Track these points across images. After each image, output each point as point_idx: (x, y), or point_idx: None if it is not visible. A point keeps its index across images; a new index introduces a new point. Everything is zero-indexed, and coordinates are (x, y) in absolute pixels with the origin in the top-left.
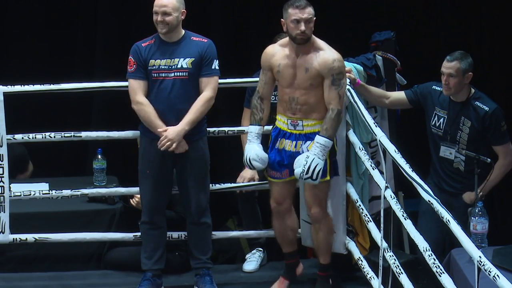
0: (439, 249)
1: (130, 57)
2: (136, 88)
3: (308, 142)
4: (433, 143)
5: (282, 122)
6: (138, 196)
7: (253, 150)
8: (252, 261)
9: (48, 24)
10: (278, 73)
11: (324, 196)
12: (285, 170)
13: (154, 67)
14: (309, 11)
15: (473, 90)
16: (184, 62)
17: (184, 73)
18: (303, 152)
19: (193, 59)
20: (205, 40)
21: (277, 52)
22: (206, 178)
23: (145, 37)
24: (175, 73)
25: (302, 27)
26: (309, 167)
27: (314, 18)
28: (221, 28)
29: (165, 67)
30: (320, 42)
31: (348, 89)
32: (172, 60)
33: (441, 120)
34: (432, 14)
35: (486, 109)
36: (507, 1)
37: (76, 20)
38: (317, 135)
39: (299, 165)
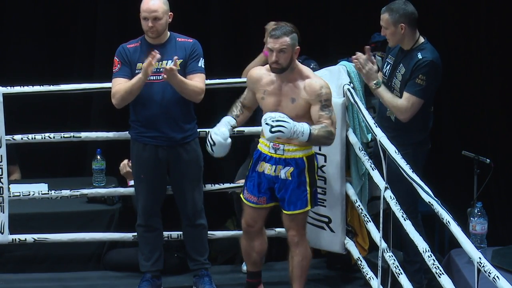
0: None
1: (115, 58)
2: (116, 84)
3: (288, 168)
4: None
5: (264, 144)
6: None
7: (215, 128)
8: None
9: (47, 25)
10: (262, 99)
11: (303, 223)
12: (263, 197)
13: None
14: (282, 42)
15: (421, 41)
16: (173, 65)
17: None
18: (281, 178)
19: (181, 60)
20: (191, 40)
21: (263, 77)
22: (201, 179)
23: None
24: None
25: (273, 58)
26: (278, 120)
27: (297, 47)
28: (220, 28)
29: (154, 69)
30: (307, 70)
31: (348, 89)
32: (160, 62)
33: (388, 67)
34: (431, 14)
35: (419, 57)
36: (507, 1)
37: (75, 21)
38: (306, 123)
39: (276, 115)
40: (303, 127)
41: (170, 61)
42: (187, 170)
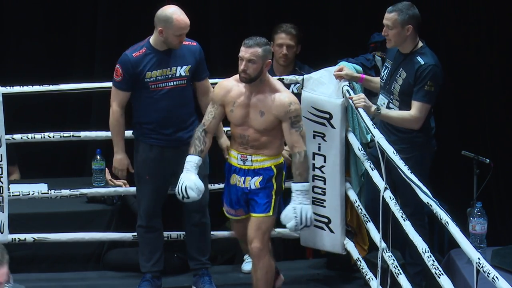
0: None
1: (118, 66)
2: (116, 97)
3: (256, 178)
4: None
5: (233, 157)
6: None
7: (191, 180)
8: (251, 262)
9: (47, 25)
10: (231, 111)
11: (267, 231)
12: (239, 209)
13: (152, 79)
14: (253, 52)
15: (420, 45)
16: (182, 70)
17: (183, 81)
18: (251, 188)
19: (190, 66)
20: (195, 44)
21: (232, 89)
22: (206, 177)
23: (143, 38)
24: (174, 81)
25: (242, 66)
26: (301, 217)
27: (269, 60)
28: (220, 29)
29: (162, 77)
30: (276, 83)
31: (347, 90)
32: (169, 69)
33: (386, 70)
34: (431, 13)
35: (421, 63)
36: (507, 1)
37: (75, 21)
38: (292, 184)
39: (289, 219)
40: (298, 189)
41: (180, 67)
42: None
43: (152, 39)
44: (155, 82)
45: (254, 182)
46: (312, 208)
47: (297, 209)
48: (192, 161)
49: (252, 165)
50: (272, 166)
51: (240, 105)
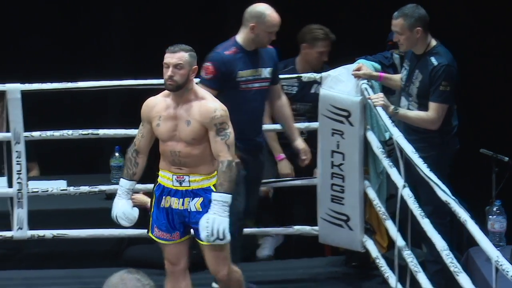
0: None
1: (210, 64)
2: None
3: (196, 199)
4: None
5: (166, 178)
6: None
7: (120, 208)
8: (266, 247)
9: (62, 22)
10: (157, 126)
11: (227, 253)
12: (175, 232)
13: (243, 79)
14: (180, 57)
15: (433, 44)
16: (267, 72)
17: (267, 82)
18: (191, 210)
19: (272, 68)
20: (272, 47)
21: (158, 103)
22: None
23: (159, 36)
24: (261, 83)
25: (169, 72)
26: (213, 229)
27: (195, 66)
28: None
29: (251, 77)
30: (203, 92)
31: (366, 88)
32: (256, 70)
33: (404, 72)
34: (444, 11)
35: (435, 64)
36: (507, 2)
37: (90, 18)
38: (213, 193)
39: (202, 229)
40: (216, 199)
41: (264, 68)
42: (262, 172)
43: (240, 38)
44: (245, 82)
45: (195, 204)
46: (331, 206)
47: (209, 220)
48: (123, 186)
49: (190, 185)
50: (212, 186)
51: (167, 118)
